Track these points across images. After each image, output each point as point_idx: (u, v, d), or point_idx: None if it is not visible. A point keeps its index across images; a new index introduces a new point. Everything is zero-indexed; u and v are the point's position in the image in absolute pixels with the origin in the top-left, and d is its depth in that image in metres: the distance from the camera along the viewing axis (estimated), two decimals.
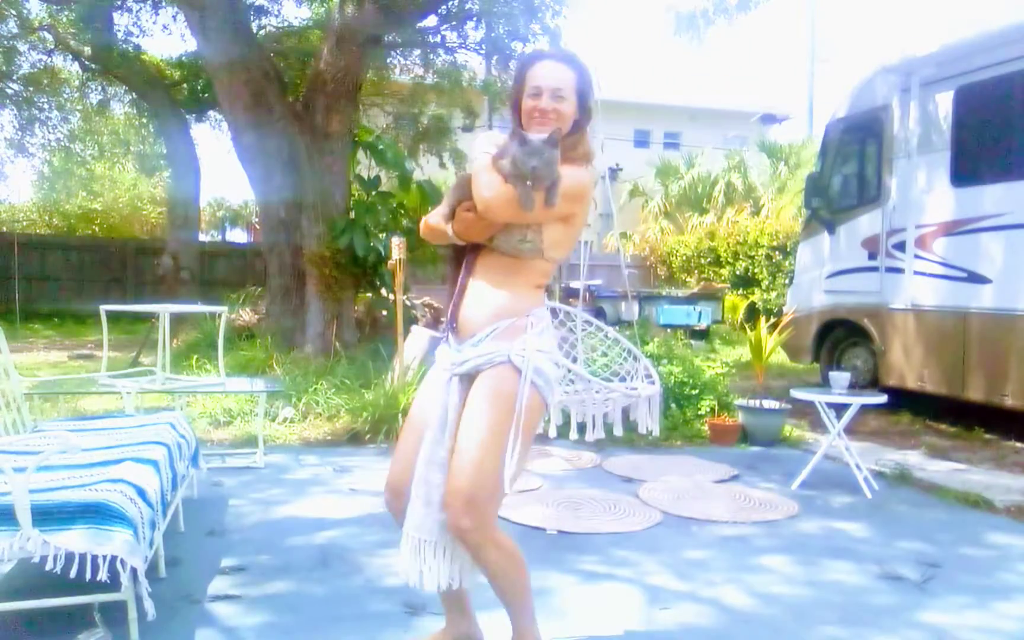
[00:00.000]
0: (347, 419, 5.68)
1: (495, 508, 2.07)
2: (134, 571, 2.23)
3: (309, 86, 8.53)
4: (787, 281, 11.89)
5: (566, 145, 2.05)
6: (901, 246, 6.48)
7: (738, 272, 15.50)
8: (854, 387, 5.11)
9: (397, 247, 6.18)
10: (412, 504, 2.09)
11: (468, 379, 2.10)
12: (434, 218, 2.20)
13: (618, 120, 19.22)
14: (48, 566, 2.17)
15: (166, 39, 47.40)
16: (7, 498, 2.19)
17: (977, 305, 5.82)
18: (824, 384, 5.52)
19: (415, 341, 6.87)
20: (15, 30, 12.20)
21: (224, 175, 25.72)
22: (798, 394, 4.65)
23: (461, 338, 2.14)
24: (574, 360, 3.85)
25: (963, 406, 6.23)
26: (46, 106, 14.87)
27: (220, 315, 5.40)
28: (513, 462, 2.00)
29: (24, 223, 20.75)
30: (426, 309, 9.00)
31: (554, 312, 4.69)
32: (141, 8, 11.61)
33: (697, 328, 12.59)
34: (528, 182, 1.95)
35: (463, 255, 2.20)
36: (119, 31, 11.57)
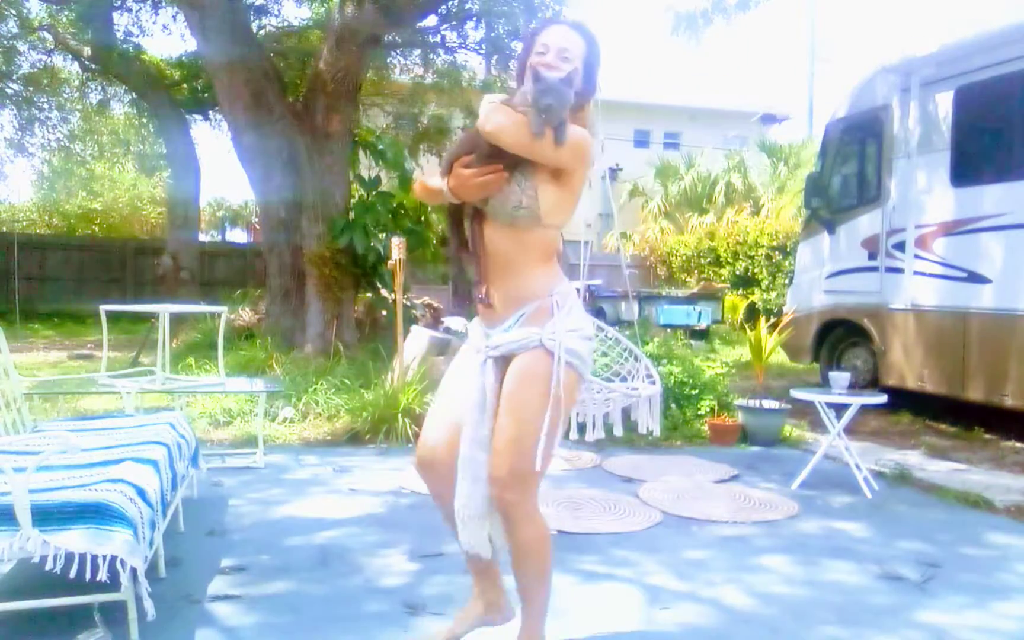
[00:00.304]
0: (347, 419, 5.68)
1: (536, 483, 2.12)
2: (134, 571, 2.23)
3: (309, 86, 8.53)
4: (787, 281, 11.89)
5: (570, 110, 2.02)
6: (901, 246, 6.48)
7: (738, 272, 15.50)
8: (854, 387, 5.11)
9: (397, 247, 6.18)
10: (460, 484, 2.15)
11: (503, 360, 2.14)
12: (432, 180, 2.19)
13: (618, 120, 19.22)
14: (48, 566, 2.17)
15: (166, 39, 47.43)
16: (7, 498, 2.19)
17: (977, 305, 5.82)
18: (824, 384, 5.53)
19: (415, 341, 6.87)
20: (15, 30, 12.20)
21: (224, 175, 25.76)
22: (798, 394, 4.65)
23: (490, 323, 2.16)
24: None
25: (963, 406, 6.23)
26: (46, 106, 14.88)
27: (220, 315, 5.40)
28: (554, 441, 2.06)
29: (24, 223, 20.75)
30: (426, 309, 9.01)
31: None
32: (141, 8, 11.62)
33: (697, 328, 12.59)
34: (541, 115, 1.92)
35: (461, 219, 2.18)
36: (119, 31, 11.58)
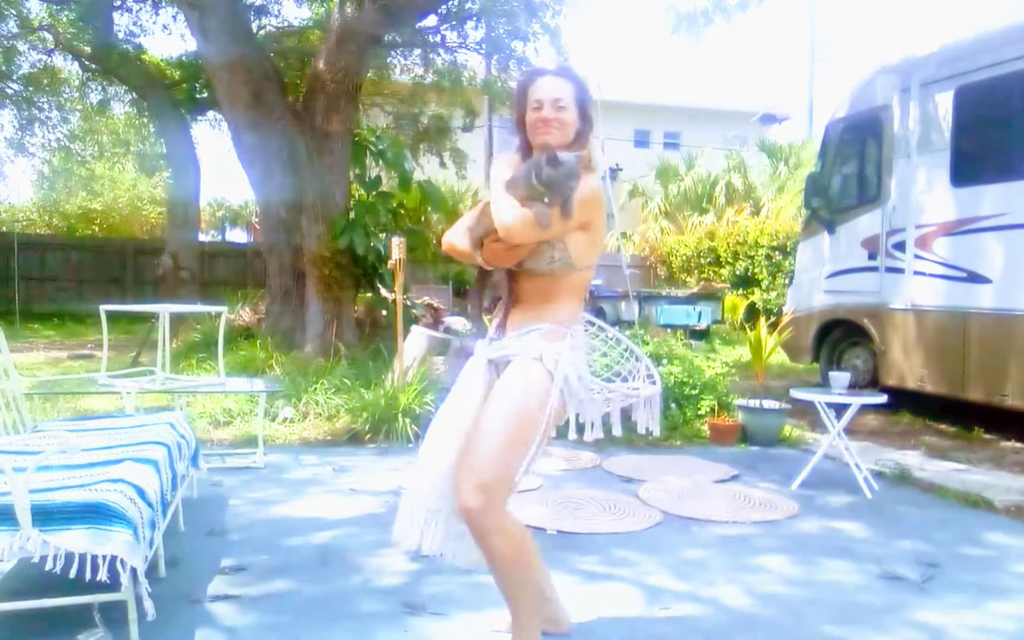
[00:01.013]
0: (347, 419, 5.68)
1: (505, 495, 2.14)
2: (134, 571, 2.23)
3: (309, 86, 8.53)
4: (787, 281, 11.89)
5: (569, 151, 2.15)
6: (901, 246, 6.48)
7: (738, 272, 15.50)
8: (854, 387, 5.11)
9: (397, 247, 6.18)
10: (439, 483, 2.23)
11: (499, 367, 2.23)
12: (460, 241, 2.29)
13: (618, 120, 19.22)
14: (48, 566, 2.17)
15: (166, 39, 47.44)
16: (7, 498, 2.19)
17: (977, 305, 5.82)
18: (824, 384, 5.52)
19: (415, 341, 6.87)
20: (15, 30, 12.19)
21: (224, 175, 25.75)
22: (798, 394, 4.65)
23: (503, 333, 2.28)
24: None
25: (963, 406, 6.23)
26: (46, 106, 14.86)
27: (220, 315, 5.40)
28: (525, 456, 2.11)
29: (24, 223, 20.75)
30: (426, 309, 9.00)
31: None
32: (141, 8, 11.61)
33: (697, 328, 12.59)
34: (545, 199, 2.04)
35: (512, 291, 2.32)
36: (119, 31, 11.57)
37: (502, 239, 2.12)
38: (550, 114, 2.17)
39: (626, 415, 3.48)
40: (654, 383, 3.57)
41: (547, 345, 2.16)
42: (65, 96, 14.73)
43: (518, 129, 2.29)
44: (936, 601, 2.92)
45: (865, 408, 5.11)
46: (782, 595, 2.97)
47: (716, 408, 5.99)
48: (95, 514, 2.24)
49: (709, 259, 16.50)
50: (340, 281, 8.14)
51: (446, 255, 2.41)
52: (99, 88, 13.88)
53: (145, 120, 14.41)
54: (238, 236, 24.77)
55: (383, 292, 8.48)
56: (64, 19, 11.86)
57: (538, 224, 2.06)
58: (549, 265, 2.18)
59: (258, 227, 15.62)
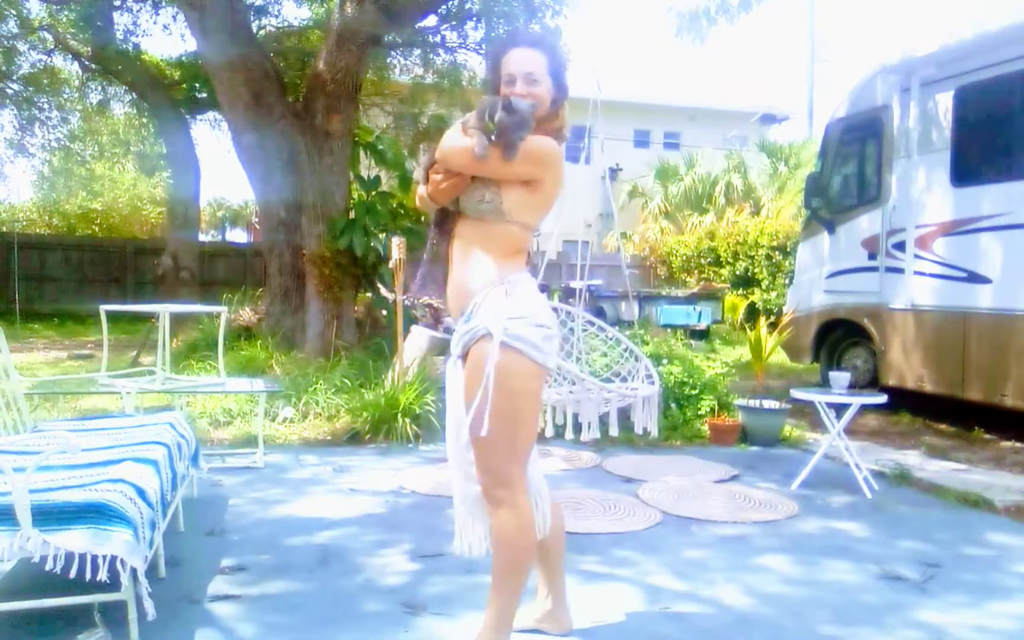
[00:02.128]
0: (347, 419, 5.68)
1: (517, 469, 2.16)
2: (134, 571, 2.23)
3: (309, 86, 8.53)
4: (787, 281, 11.89)
5: (543, 119, 2.18)
6: (901, 246, 6.48)
7: (738, 272, 15.50)
8: (854, 387, 5.11)
9: (397, 247, 6.18)
10: (455, 483, 2.30)
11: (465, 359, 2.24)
12: (420, 188, 2.34)
13: (618, 120, 19.21)
14: (48, 566, 2.17)
15: (166, 39, 47.42)
16: (7, 498, 2.19)
17: (977, 305, 5.82)
18: (824, 384, 5.53)
19: (415, 341, 6.87)
20: (15, 30, 12.20)
21: (224, 175, 25.75)
22: (798, 394, 4.65)
23: (455, 318, 2.28)
24: (575, 360, 3.85)
25: (963, 406, 6.23)
26: (46, 106, 14.87)
27: (220, 315, 5.40)
28: (512, 425, 2.10)
29: (24, 223, 20.75)
30: (426, 309, 9.00)
31: (556, 312, 4.71)
32: (141, 8, 11.61)
33: (697, 328, 12.59)
34: (491, 137, 2.07)
35: (445, 221, 2.31)
36: (119, 31, 11.57)
37: (440, 167, 2.17)
38: (523, 88, 2.16)
39: (624, 415, 3.49)
40: (653, 383, 3.58)
41: (487, 317, 2.11)
42: (65, 96, 14.74)
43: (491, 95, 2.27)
44: (936, 601, 2.93)
45: (865, 408, 5.11)
46: (782, 595, 2.97)
47: (716, 408, 5.99)
48: (95, 514, 2.24)
49: (709, 259, 16.50)
50: (340, 281, 8.13)
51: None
52: (99, 88, 13.89)
53: (145, 120, 14.41)
54: (238, 236, 24.79)
55: (383, 292, 8.48)
56: (64, 19, 11.86)
57: (474, 152, 2.07)
58: (478, 204, 2.16)
59: (258, 227, 15.62)
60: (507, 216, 2.15)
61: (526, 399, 2.14)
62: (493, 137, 2.06)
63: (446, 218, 2.31)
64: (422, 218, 11.75)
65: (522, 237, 2.21)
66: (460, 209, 2.23)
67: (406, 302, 6.43)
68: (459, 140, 2.14)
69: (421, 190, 2.31)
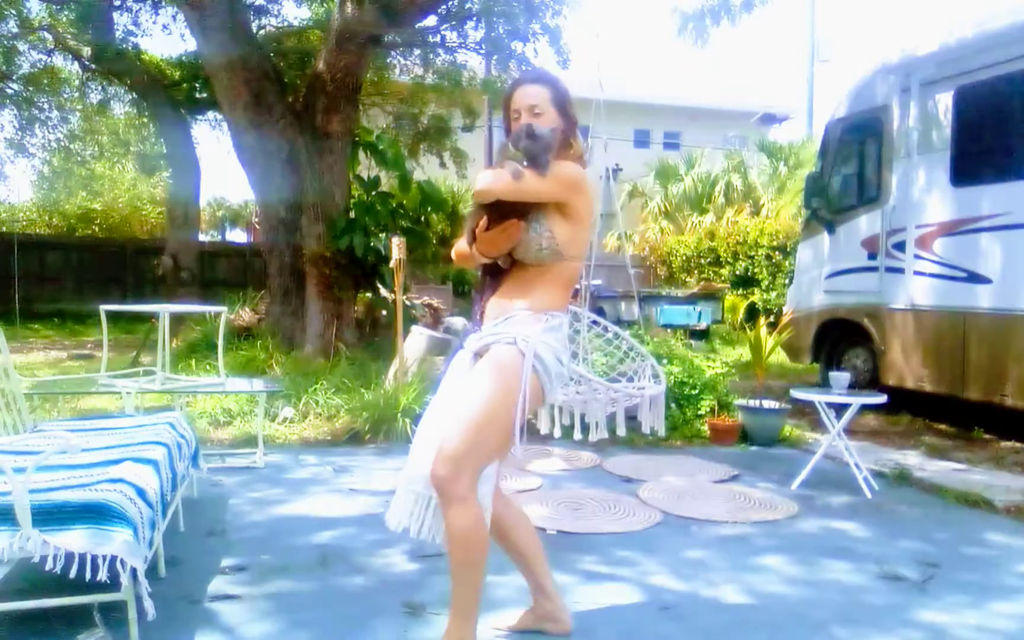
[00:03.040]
0: (347, 419, 5.68)
1: (472, 470, 2.17)
2: (134, 571, 2.23)
3: (309, 86, 8.53)
4: (787, 281, 11.88)
5: (556, 150, 2.24)
6: (901, 246, 6.48)
7: (738, 272, 15.49)
8: (854, 387, 5.11)
9: (397, 247, 6.18)
10: (416, 461, 2.30)
11: (480, 356, 2.29)
12: (461, 244, 2.40)
13: (618, 120, 19.16)
14: (48, 566, 2.17)
15: (166, 39, 47.45)
16: (7, 498, 2.19)
17: (977, 305, 5.82)
18: (824, 384, 5.52)
19: (415, 341, 6.87)
20: (15, 30, 12.19)
21: (224, 175, 25.73)
22: (798, 394, 4.65)
23: (486, 323, 2.33)
24: (581, 360, 3.84)
25: (963, 406, 6.23)
26: (46, 106, 14.86)
27: (220, 315, 5.40)
28: (500, 431, 2.15)
29: (24, 223, 20.75)
30: (426, 309, 9.00)
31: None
32: (140, 8, 11.60)
33: (697, 328, 12.59)
34: (522, 161, 2.16)
35: (497, 273, 2.39)
36: (119, 31, 11.57)
37: (481, 204, 2.22)
38: (527, 120, 2.26)
39: (629, 415, 3.48)
40: (659, 382, 3.57)
41: (520, 329, 2.22)
42: (65, 96, 14.73)
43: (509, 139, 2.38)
44: (936, 601, 2.92)
45: (865, 408, 5.11)
46: (782, 595, 2.97)
47: (716, 408, 5.99)
48: (95, 514, 2.24)
49: (709, 259, 16.49)
50: (340, 281, 8.14)
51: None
52: (99, 88, 13.88)
53: (145, 120, 14.41)
54: (238, 236, 24.76)
55: (383, 292, 8.48)
56: (64, 19, 11.85)
57: (512, 178, 2.15)
58: (538, 252, 2.25)
59: (258, 227, 15.61)
60: (564, 255, 2.27)
61: (521, 413, 2.18)
62: (524, 164, 2.16)
63: (499, 271, 2.38)
64: (422, 218, 11.74)
65: (577, 269, 2.36)
66: (519, 258, 2.30)
67: (406, 301, 6.44)
68: (492, 172, 2.23)
69: (463, 248, 2.36)
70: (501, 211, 2.21)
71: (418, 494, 2.30)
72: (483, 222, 2.24)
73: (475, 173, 14.21)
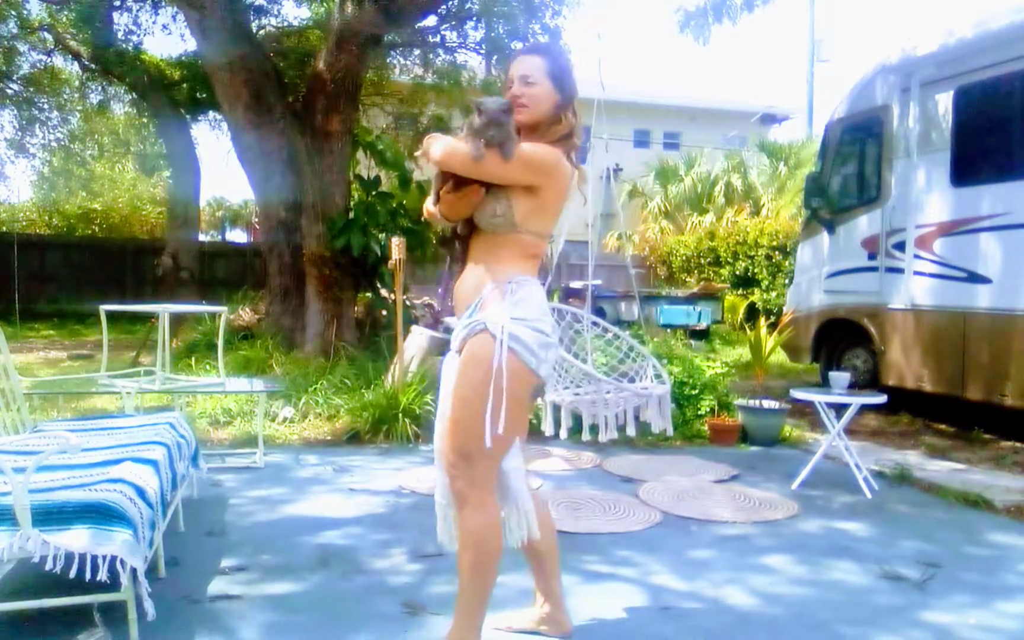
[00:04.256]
0: (347, 419, 5.68)
1: (485, 467, 2.16)
2: (134, 571, 2.23)
3: (309, 86, 8.53)
4: (787, 281, 11.88)
5: (543, 124, 2.22)
6: (901, 246, 6.48)
7: (738, 272, 15.49)
8: (854, 387, 5.11)
9: (397, 247, 6.17)
10: (438, 475, 2.32)
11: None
12: (428, 203, 2.36)
13: (618, 120, 19.16)
14: (48, 566, 2.17)
15: (166, 39, 47.44)
16: (7, 498, 2.19)
17: (977, 305, 5.82)
18: (824, 384, 5.52)
19: (415, 341, 6.86)
20: (15, 30, 12.19)
21: (224, 175, 25.70)
22: (798, 394, 4.65)
23: (459, 316, 2.31)
24: (583, 362, 3.84)
25: (963, 406, 6.23)
26: (46, 106, 14.88)
27: (220, 315, 5.40)
28: (499, 423, 2.09)
29: (24, 223, 20.74)
30: (426, 309, 9.00)
31: (561, 313, 4.70)
32: (141, 8, 11.61)
33: (697, 328, 12.59)
34: (481, 140, 2.10)
35: (463, 244, 2.35)
36: (119, 31, 11.57)
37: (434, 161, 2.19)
38: (518, 90, 2.21)
39: (634, 415, 3.48)
40: (664, 382, 3.57)
41: (489, 313, 2.15)
42: (65, 96, 14.74)
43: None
44: (937, 601, 2.92)
45: (865, 408, 5.11)
46: (782, 595, 2.97)
47: (716, 408, 5.99)
48: (95, 514, 2.24)
49: (709, 259, 16.49)
50: (340, 281, 8.13)
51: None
52: (99, 88, 13.89)
53: (145, 120, 14.41)
54: (238, 236, 24.74)
55: (383, 292, 8.47)
56: (64, 19, 11.86)
57: (470, 155, 2.09)
58: (491, 218, 2.19)
59: (258, 227, 15.61)
60: (519, 227, 2.20)
61: (512, 401, 2.10)
62: (482, 141, 2.10)
63: (457, 237, 2.35)
64: (422, 218, 11.72)
65: (533, 244, 2.25)
66: (475, 224, 2.26)
67: (406, 301, 6.44)
68: (449, 143, 2.18)
69: (430, 206, 2.33)
70: (465, 177, 2.18)
71: (444, 507, 2.31)
72: (448, 185, 2.21)
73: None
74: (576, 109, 2.30)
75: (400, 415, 5.48)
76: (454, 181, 2.19)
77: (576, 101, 2.30)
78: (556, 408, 3.96)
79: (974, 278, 5.84)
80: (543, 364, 2.17)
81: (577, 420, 3.93)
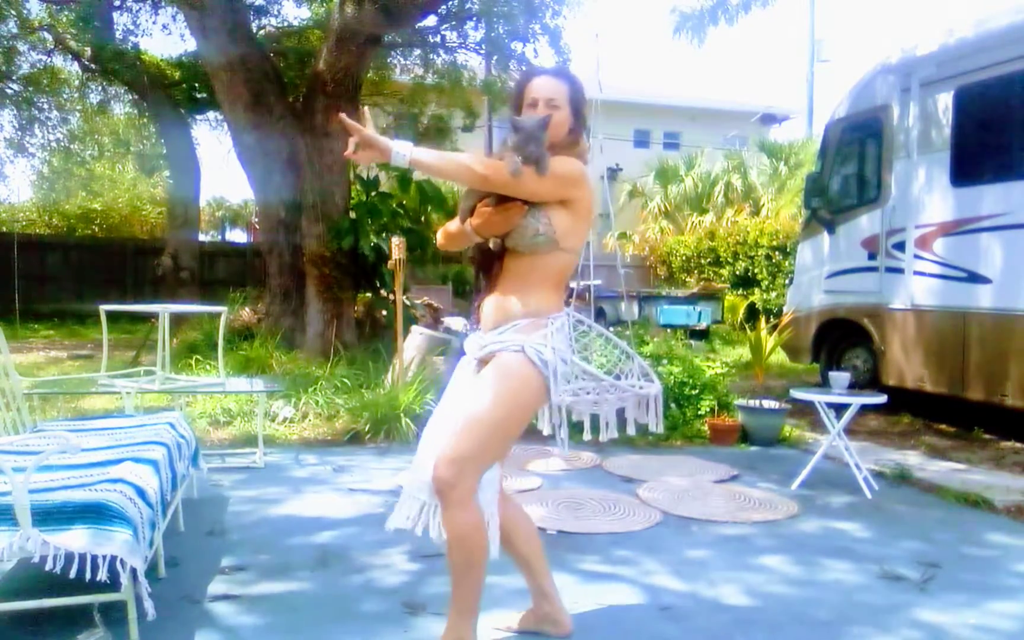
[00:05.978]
0: (347, 419, 5.68)
1: (474, 473, 2.19)
2: (134, 571, 2.23)
3: (309, 86, 8.53)
4: (787, 281, 11.88)
5: (562, 147, 2.26)
6: (901, 246, 6.48)
7: (738, 272, 15.49)
8: (854, 387, 5.11)
9: (397, 247, 6.18)
10: (421, 467, 2.31)
11: (484, 363, 2.29)
12: (452, 224, 2.40)
13: (618, 120, 19.19)
14: (48, 566, 2.17)
15: (166, 39, 47.42)
16: (7, 498, 2.19)
17: (977, 305, 5.82)
18: (824, 384, 5.52)
19: (415, 341, 6.86)
20: (15, 30, 12.19)
21: (224, 175, 25.69)
22: (798, 394, 4.65)
23: (486, 330, 2.32)
24: (587, 363, 3.84)
25: (963, 406, 6.23)
26: (46, 106, 14.87)
27: (220, 315, 5.40)
28: (503, 437, 2.19)
29: (24, 223, 20.73)
30: (426, 309, 9.00)
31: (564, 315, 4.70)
32: (141, 8, 11.60)
33: (697, 328, 12.59)
34: (518, 157, 2.14)
35: (490, 264, 2.37)
36: (119, 31, 11.57)
37: (475, 181, 2.21)
38: (543, 111, 2.24)
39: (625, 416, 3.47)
40: (652, 381, 3.57)
41: (526, 337, 2.21)
42: (65, 96, 14.73)
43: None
44: (936, 601, 2.92)
45: (865, 408, 5.11)
46: (782, 595, 2.97)
47: (716, 408, 5.99)
48: (95, 514, 2.24)
49: (709, 259, 16.49)
50: (340, 281, 8.13)
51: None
52: (99, 88, 13.89)
53: (145, 120, 14.41)
54: (238, 236, 24.72)
55: (383, 292, 8.47)
56: (64, 19, 11.85)
57: (509, 170, 2.12)
58: (533, 238, 2.22)
59: (258, 227, 15.62)
60: (560, 245, 2.24)
61: (521, 413, 2.21)
62: (519, 159, 2.14)
63: (492, 257, 2.36)
64: (422, 218, 11.71)
65: (568, 265, 2.33)
66: (510, 245, 2.28)
67: (406, 301, 6.43)
68: (489, 161, 2.22)
69: (455, 226, 2.36)
70: (503, 195, 2.22)
71: (423, 502, 2.30)
72: (490, 199, 2.23)
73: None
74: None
75: (400, 415, 5.48)
76: (496, 196, 2.21)
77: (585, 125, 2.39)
78: (557, 409, 3.95)
79: (974, 278, 5.84)
80: (556, 392, 2.26)
81: (577, 422, 3.93)
